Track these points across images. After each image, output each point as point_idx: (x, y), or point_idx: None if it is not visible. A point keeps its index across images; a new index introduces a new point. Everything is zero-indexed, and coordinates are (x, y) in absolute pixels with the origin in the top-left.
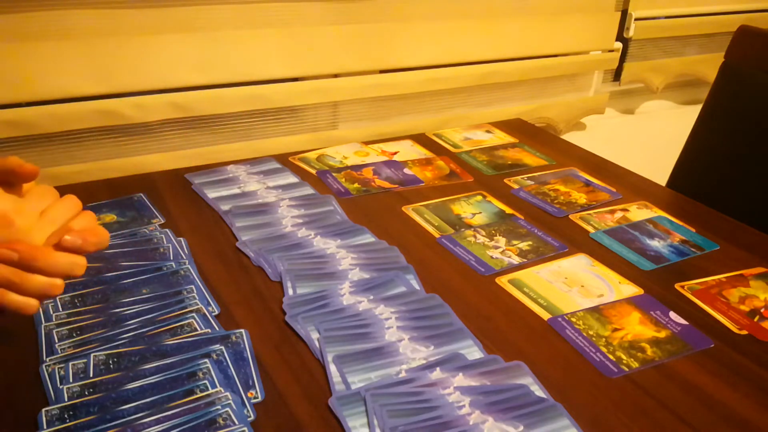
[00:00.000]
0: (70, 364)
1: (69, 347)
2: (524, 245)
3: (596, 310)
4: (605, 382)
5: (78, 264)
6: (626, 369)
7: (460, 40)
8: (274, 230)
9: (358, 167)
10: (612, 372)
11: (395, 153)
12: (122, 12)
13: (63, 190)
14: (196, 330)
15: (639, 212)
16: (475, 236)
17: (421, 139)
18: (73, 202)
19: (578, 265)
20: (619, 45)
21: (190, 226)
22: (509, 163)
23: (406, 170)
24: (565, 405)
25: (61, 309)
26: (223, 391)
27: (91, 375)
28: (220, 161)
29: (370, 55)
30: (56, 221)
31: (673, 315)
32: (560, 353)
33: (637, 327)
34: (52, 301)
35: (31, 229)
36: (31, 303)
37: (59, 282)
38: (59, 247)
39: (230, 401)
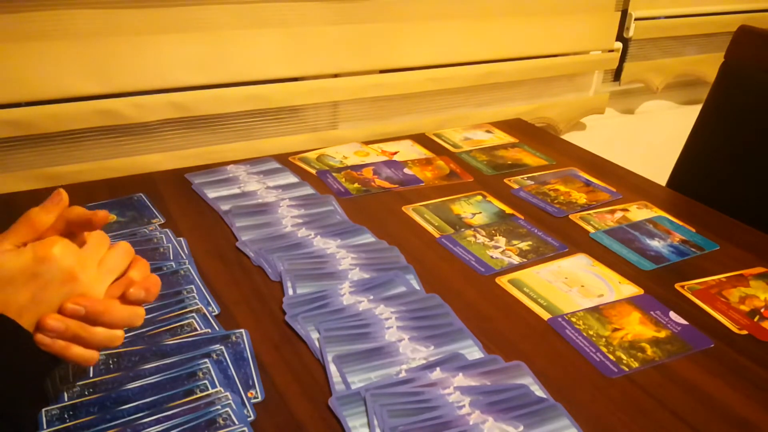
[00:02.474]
0: (70, 364)
1: None
2: (524, 245)
3: (596, 310)
4: (605, 382)
5: (139, 315)
6: (626, 369)
7: (460, 40)
8: (274, 230)
9: (358, 167)
10: (612, 372)
11: (395, 153)
12: (122, 12)
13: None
14: (196, 330)
15: (639, 212)
16: (475, 236)
17: (421, 139)
18: (126, 249)
19: (578, 265)
20: (619, 45)
21: (190, 226)
22: (509, 163)
23: (406, 170)
24: (565, 405)
25: None
26: (223, 391)
27: (91, 375)
28: (220, 161)
29: (370, 55)
30: (114, 271)
31: (673, 315)
32: (560, 353)
33: (637, 327)
34: None
35: (93, 282)
36: (93, 355)
37: (120, 333)
38: (123, 299)
39: (230, 401)
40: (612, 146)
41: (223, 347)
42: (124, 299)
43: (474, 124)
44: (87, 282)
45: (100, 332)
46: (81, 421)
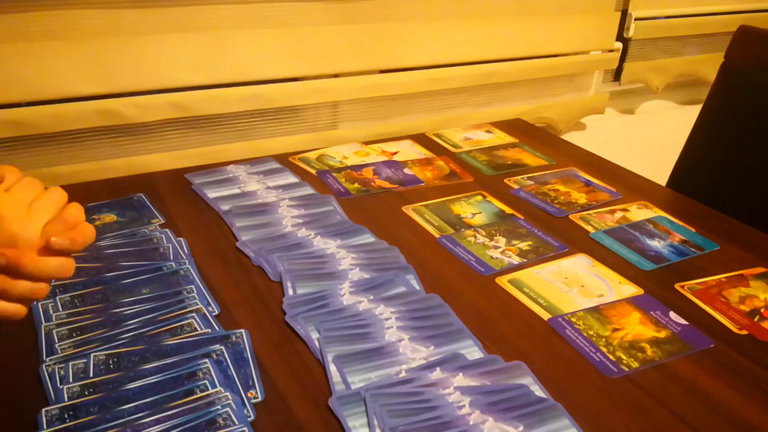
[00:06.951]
0: (70, 364)
1: (69, 347)
2: (524, 245)
3: (596, 310)
4: (605, 382)
5: (66, 266)
6: (626, 369)
7: (460, 40)
8: (274, 230)
9: (358, 167)
10: (612, 372)
11: (395, 153)
12: (122, 12)
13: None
14: (196, 330)
15: (639, 212)
16: (475, 236)
17: (421, 139)
18: (59, 192)
19: (578, 265)
20: (619, 45)
21: (190, 226)
22: (509, 163)
23: (406, 170)
24: (565, 405)
25: (61, 309)
26: (223, 391)
27: (91, 375)
28: (220, 161)
29: (370, 55)
30: (49, 210)
31: (673, 315)
32: (560, 353)
33: (637, 327)
34: (52, 300)
35: (22, 220)
36: (19, 309)
37: (44, 286)
38: (46, 249)
39: (230, 401)
40: (612, 146)
41: (223, 347)
42: (47, 248)
43: (474, 124)
44: (13, 219)
45: (22, 285)
46: (81, 421)
